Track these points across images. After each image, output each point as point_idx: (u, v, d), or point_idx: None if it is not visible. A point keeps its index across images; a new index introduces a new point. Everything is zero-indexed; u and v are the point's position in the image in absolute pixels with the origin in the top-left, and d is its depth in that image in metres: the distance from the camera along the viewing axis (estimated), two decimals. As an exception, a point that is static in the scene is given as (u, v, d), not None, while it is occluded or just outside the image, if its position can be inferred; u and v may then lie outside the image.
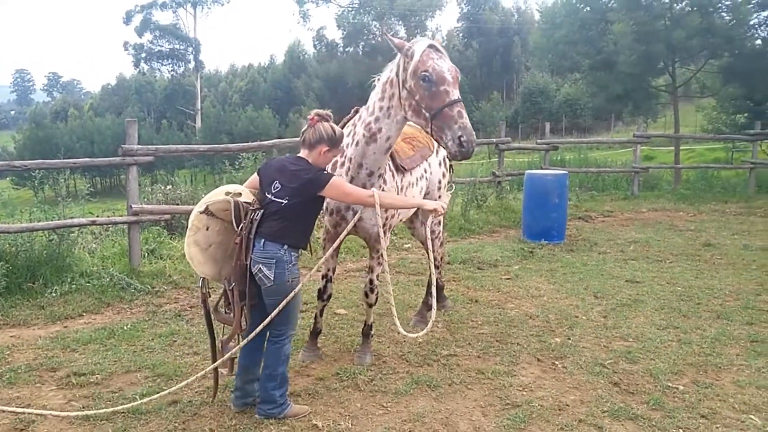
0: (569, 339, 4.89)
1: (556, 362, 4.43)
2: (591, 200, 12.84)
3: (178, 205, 8.63)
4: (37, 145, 46.83)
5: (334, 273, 4.52)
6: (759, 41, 16.47)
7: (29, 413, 3.59)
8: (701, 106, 24.29)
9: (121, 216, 7.38)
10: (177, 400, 3.81)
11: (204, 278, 3.62)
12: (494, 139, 12.16)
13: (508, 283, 6.66)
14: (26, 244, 6.27)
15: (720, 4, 15.93)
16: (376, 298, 4.41)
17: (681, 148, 26.13)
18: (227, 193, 3.55)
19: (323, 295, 4.48)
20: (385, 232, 3.91)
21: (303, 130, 3.57)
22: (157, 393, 3.90)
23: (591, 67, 17.10)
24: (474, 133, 3.34)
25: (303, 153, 3.53)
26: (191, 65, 61.16)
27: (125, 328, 5.19)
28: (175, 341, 4.91)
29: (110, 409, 3.59)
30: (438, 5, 57.05)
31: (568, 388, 4.01)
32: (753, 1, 15.78)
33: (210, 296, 3.75)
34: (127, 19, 58.10)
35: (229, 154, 10.81)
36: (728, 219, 10.90)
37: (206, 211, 3.46)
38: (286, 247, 3.39)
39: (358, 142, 3.84)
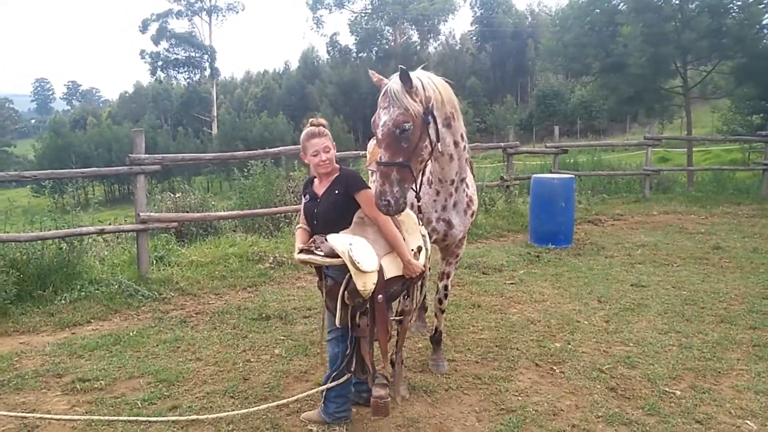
0: (569, 344, 4.90)
1: (554, 367, 4.44)
2: (601, 203, 12.76)
3: (187, 212, 8.77)
4: (56, 154, 47.70)
5: None
6: (771, 42, 16.30)
7: (33, 417, 3.69)
8: (717, 107, 24.09)
9: (130, 224, 7.50)
10: (177, 406, 3.90)
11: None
12: (502, 144, 12.15)
13: (511, 287, 6.66)
14: (37, 253, 6.42)
15: (731, 5, 15.80)
16: (447, 304, 4.47)
17: (698, 149, 25.98)
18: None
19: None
20: (464, 237, 4.22)
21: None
22: (159, 399, 4.01)
23: (601, 69, 17.05)
24: (384, 196, 3.12)
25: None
26: (207, 72, 61.82)
27: (131, 334, 5.29)
28: (179, 347, 4.99)
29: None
30: (451, 9, 57.20)
31: (564, 393, 4.02)
32: (764, 2, 15.63)
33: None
34: (144, 27, 58.94)
35: (236, 161, 10.94)
36: (740, 221, 10.78)
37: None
38: None
39: None
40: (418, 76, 3.36)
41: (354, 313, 3.32)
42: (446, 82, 3.58)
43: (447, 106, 3.51)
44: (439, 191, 3.90)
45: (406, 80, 3.20)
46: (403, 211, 3.23)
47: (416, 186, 3.48)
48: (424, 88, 3.31)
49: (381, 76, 3.48)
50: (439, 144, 3.49)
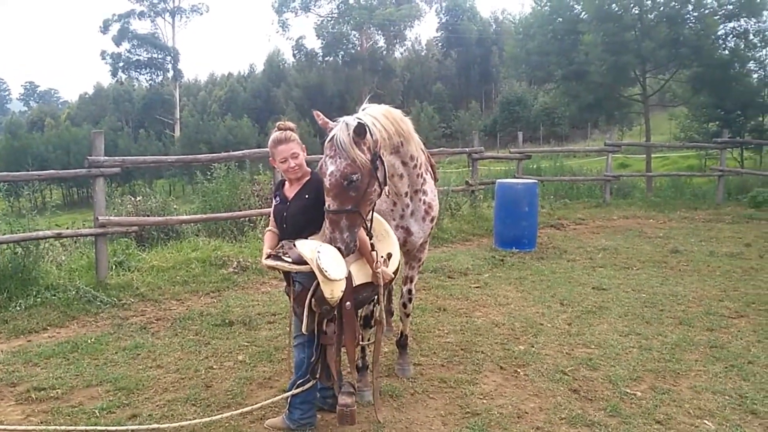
0: (533, 347, 4.95)
1: (519, 370, 4.48)
2: (564, 208, 12.98)
3: (148, 216, 8.60)
4: (12, 156, 46.07)
5: None
6: (726, 52, 16.81)
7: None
8: (675, 115, 24.77)
9: (88, 228, 7.31)
10: (137, 414, 3.80)
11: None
12: (467, 149, 12.26)
13: (477, 291, 6.71)
14: (-10, 258, 6.21)
15: (688, 16, 16.28)
16: (412, 308, 4.46)
17: (656, 156, 26.63)
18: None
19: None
20: (426, 242, 4.26)
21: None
22: (118, 407, 3.90)
23: (563, 77, 17.36)
24: (334, 243, 3.13)
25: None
26: (170, 74, 60.87)
27: (89, 341, 5.14)
28: (139, 354, 4.88)
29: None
30: (417, 15, 57.50)
31: (528, 396, 4.05)
32: (719, 13, 16.15)
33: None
34: (105, 28, 57.74)
35: (199, 164, 10.77)
36: (697, 226, 11.09)
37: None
38: None
39: None
40: (362, 119, 3.28)
41: (321, 320, 3.29)
42: (393, 109, 3.57)
43: (395, 137, 3.51)
44: (395, 202, 3.95)
45: (361, 132, 3.15)
46: (354, 252, 3.24)
47: (367, 225, 3.40)
48: (371, 133, 3.26)
49: (326, 119, 3.40)
50: (386, 188, 3.49)
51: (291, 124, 3.57)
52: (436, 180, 4.44)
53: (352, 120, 3.25)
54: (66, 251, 8.22)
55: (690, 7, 16.19)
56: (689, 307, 6.02)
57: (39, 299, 6.04)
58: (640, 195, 15.24)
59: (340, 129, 3.17)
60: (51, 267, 6.96)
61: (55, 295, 6.15)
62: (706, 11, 16.05)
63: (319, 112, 3.48)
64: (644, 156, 19.79)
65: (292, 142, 3.43)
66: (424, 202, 4.05)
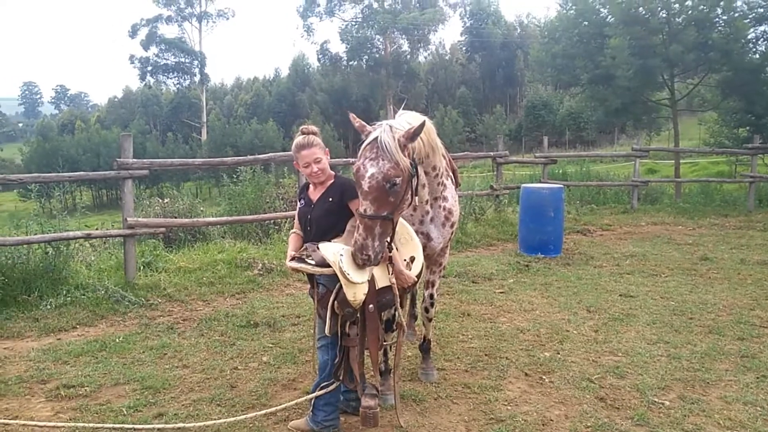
0: (558, 353, 4.89)
1: (544, 377, 4.44)
2: (590, 214, 12.84)
3: (175, 218, 8.71)
4: (44, 158, 47.27)
5: None
6: (756, 56, 16.46)
7: (17, 424, 3.63)
8: (704, 120, 24.31)
9: (117, 229, 7.43)
10: (163, 413, 3.85)
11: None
12: (492, 153, 12.19)
13: (501, 296, 6.66)
14: (23, 257, 6.35)
15: (717, 19, 15.98)
16: (435, 312, 4.44)
17: (685, 161, 26.20)
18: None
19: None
20: (447, 246, 4.23)
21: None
22: (144, 406, 3.96)
23: (590, 81, 17.14)
24: (365, 250, 3.05)
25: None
26: (197, 78, 61.69)
27: (117, 340, 5.23)
28: (166, 354, 4.94)
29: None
30: (441, 19, 57.36)
31: (554, 403, 4.01)
32: (750, 16, 15.84)
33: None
34: (133, 32, 58.77)
35: (225, 167, 10.89)
36: (727, 233, 10.87)
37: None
38: None
39: None
40: (402, 126, 3.28)
41: (344, 322, 3.30)
42: (427, 119, 3.53)
43: (426, 148, 3.52)
44: (415, 207, 3.90)
45: (418, 132, 3.17)
46: (379, 263, 3.20)
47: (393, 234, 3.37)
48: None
49: (363, 122, 3.37)
50: (416, 198, 3.47)
51: (314, 128, 3.59)
52: (458, 185, 4.42)
53: (397, 123, 3.25)
54: (95, 251, 8.38)
55: (719, 11, 15.88)
56: (719, 315, 5.90)
57: (69, 298, 6.16)
58: (668, 201, 15.00)
59: (384, 131, 3.13)
60: (81, 267, 7.10)
61: (84, 295, 6.27)
62: (736, 14, 15.71)
63: (354, 115, 3.48)
64: (673, 161, 19.47)
65: (315, 146, 3.46)
66: (444, 209, 4.05)
